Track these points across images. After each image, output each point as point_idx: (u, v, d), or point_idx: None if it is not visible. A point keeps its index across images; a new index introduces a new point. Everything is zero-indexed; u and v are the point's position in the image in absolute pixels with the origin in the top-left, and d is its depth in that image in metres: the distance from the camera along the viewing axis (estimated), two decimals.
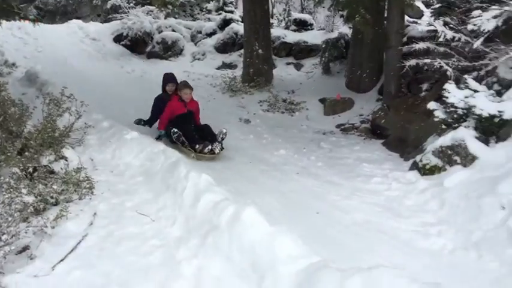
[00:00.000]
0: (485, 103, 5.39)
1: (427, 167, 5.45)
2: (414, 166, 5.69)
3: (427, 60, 6.73)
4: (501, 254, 3.81)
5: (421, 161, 5.58)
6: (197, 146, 6.13)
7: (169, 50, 14.45)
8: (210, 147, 6.11)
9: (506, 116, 5.17)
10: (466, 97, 5.55)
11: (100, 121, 6.65)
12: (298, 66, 13.07)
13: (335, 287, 2.40)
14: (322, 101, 10.04)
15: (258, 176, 5.76)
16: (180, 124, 6.41)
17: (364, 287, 2.31)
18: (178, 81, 7.23)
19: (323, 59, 11.93)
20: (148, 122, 7.09)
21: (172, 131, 6.27)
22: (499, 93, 5.57)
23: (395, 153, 6.77)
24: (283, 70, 12.75)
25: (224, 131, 6.43)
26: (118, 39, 15.01)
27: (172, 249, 3.62)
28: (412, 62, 6.92)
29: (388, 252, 3.95)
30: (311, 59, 13.13)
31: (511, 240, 3.84)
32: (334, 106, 9.68)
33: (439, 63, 6.52)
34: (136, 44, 14.66)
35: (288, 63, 13.26)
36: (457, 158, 5.25)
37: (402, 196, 5.18)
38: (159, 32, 14.88)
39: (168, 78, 7.28)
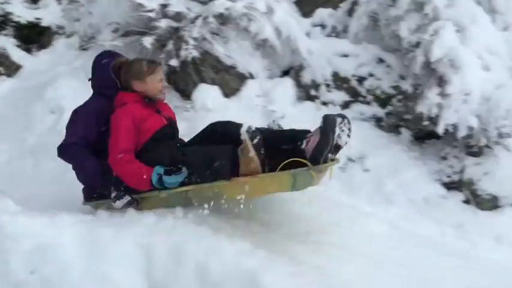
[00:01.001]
0: (21, 10, 5.36)
1: None
2: None
3: None
4: (54, 155, 4.08)
5: None
6: (303, 144, 2.58)
7: None
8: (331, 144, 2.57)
9: (44, 23, 5.33)
10: (2, 3, 5.32)
11: None
12: None
13: None
14: None
15: None
16: (170, 146, 2.82)
17: None
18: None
19: None
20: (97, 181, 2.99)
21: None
22: (35, 1, 5.58)
23: None
24: None
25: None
26: None
27: None
28: None
29: None
30: None
31: None
32: None
33: None
34: None
35: None
36: (1, 68, 5.13)
37: None
38: None
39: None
